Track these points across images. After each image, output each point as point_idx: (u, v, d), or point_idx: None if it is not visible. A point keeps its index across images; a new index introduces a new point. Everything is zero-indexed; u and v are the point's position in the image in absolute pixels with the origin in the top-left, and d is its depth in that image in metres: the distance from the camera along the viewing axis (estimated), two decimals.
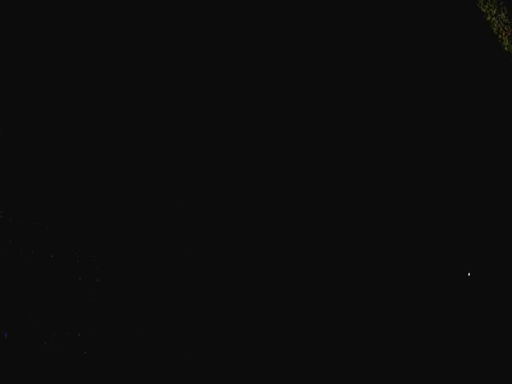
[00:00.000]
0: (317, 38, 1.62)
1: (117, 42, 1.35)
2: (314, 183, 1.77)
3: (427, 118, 2.06)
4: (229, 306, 1.54)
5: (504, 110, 1.95)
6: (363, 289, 1.92)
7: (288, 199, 1.74)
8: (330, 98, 1.76)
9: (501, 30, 1.44)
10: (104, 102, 1.32)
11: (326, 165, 1.80)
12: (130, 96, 1.37)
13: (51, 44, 1.25)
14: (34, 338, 1.15)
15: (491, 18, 1.49)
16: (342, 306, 1.84)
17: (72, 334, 1.21)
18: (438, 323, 2.15)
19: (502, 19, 1.54)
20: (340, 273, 1.86)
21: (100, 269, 1.28)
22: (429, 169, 2.15)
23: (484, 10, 1.48)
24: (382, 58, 1.79)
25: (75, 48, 1.29)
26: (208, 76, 1.50)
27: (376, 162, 1.98)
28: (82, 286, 1.26)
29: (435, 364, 2.11)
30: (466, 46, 1.70)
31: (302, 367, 1.67)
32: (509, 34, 1.43)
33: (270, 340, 1.61)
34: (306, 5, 1.52)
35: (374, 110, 1.91)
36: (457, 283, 2.24)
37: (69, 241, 1.26)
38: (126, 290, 1.32)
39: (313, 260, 1.80)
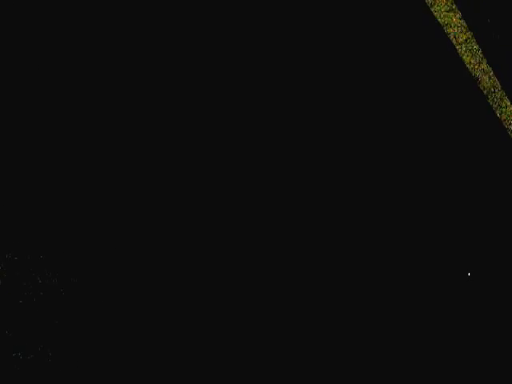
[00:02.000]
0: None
1: (115, 42, 1.35)
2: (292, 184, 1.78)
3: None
4: (228, 305, 1.54)
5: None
6: (362, 289, 1.92)
7: (284, 199, 1.74)
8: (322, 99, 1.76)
9: None
10: (98, 101, 1.32)
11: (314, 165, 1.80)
12: (127, 95, 1.37)
13: (49, 43, 1.25)
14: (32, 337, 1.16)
15: None
16: (341, 305, 1.84)
17: (70, 335, 1.21)
18: (437, 323, 2.15)
19: None
20: (338, 272, 1.86)
21: (97, 268, 1.28)
22: (425, 167, 2.15)
23: None
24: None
25: (75, 48, 1.29)
26: (207, 75, 1.50)
27: (376, 161, 1.98)
28: (80, 287, 1.27)
29: (435, 364, 2.10)
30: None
31: (302, 367, 1.67)
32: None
33: (269, 340, 1.62)
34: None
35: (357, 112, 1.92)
36: (457, 283, 2.23)
37: (65, 240, 1.26)
38: (124, 290, 1.32)
39: (311, 259, 1.80)
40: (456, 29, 1.44)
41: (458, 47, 1.48)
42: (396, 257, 2.06)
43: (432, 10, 1.46)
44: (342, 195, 1.88)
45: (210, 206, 1.54)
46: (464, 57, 1.58)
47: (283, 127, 1.71)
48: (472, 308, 2.27)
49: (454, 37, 1.45)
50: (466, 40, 1.44)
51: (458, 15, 1.41)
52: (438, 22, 1.48)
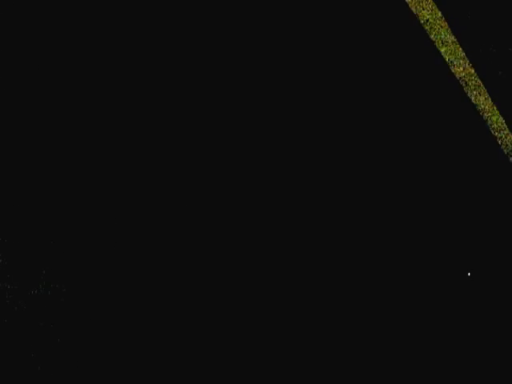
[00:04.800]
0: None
1: (115, 42, 1.35)
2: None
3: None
4: (228, 305, 1.54)
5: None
6: (362, 289, 1.92)
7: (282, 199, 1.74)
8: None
9: None
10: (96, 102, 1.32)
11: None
12: (125, 95, 1.37)
13: (48, 43, 1.25)
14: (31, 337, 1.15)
15: None
16: (341, 305, 1.84)
17: (69, 335, 1.21)
18: (437, 323, 2.15)
19: None
20: (337, 272, 1.86)
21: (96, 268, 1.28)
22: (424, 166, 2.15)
23: None
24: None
25: (74, 47, 1.29)
26: (206, 75, 1.50)
27: (378, 161, 1.97)
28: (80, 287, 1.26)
29: (435, 364, 2.10)
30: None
31: (301, 367, 1.67)
32: None
33: (269, 340, 1.61)
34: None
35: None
36: (457, 283, 2.23)
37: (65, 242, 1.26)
38: (123, 291, 1.32)
39: (311, 259, 1.80)
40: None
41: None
42: (396, 257, 2.06)
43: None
44: (340, 196, 1.88)
45: (210, 205, 1.54)
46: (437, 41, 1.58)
47: (276, 129, 1.70)
48: (472, 308, 2.27)
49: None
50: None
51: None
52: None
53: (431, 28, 1.51)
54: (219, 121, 1.57)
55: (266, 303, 1.63)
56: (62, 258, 1.25)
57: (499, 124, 1.82)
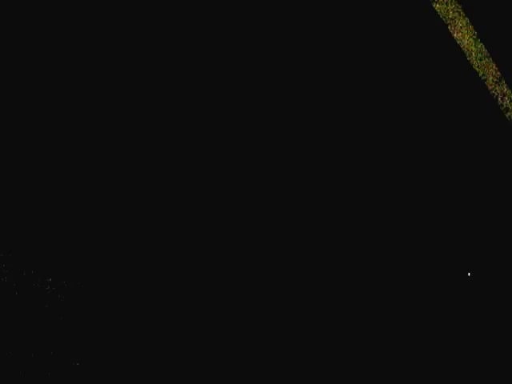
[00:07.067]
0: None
1: (115, 42, 1.35)
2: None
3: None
4: (228, 305, 1.54)
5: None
6: (362, 289, 1.92)
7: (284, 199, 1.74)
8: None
9: None
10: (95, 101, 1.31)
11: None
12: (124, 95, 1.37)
13: (49, 43, 1.25)
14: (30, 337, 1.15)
15: None
16: (341, 305, 1.84)
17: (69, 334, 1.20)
18: (437, 323, 2.14)
19: None
20: (337, 272, 1.85)
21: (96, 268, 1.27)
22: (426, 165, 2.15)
23: None
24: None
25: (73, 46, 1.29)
26: (207, 75, 1.50)
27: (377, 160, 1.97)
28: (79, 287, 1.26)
29: (435, 364, 2.10)
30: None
31: (301, 367, 1.67)
32: None
33: (269, 340, 1.61)
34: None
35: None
36: (457, 283, 2.23)
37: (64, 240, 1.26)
38: (123, 290, 1.32)
39: (311, 259, 1.80)
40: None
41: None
42: (396, 257, 2.06)
43: None
44: (340, 194, 1.88)
45: (210, 206, 1.54)
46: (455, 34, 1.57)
47: (284, 126, 1.70)
48: (472, 308, 2.27)
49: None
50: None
51: None
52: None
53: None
54: (219, 120, 1.57)
55: (266, 303, 1.63)
56: (61, 257, 1.25)
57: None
